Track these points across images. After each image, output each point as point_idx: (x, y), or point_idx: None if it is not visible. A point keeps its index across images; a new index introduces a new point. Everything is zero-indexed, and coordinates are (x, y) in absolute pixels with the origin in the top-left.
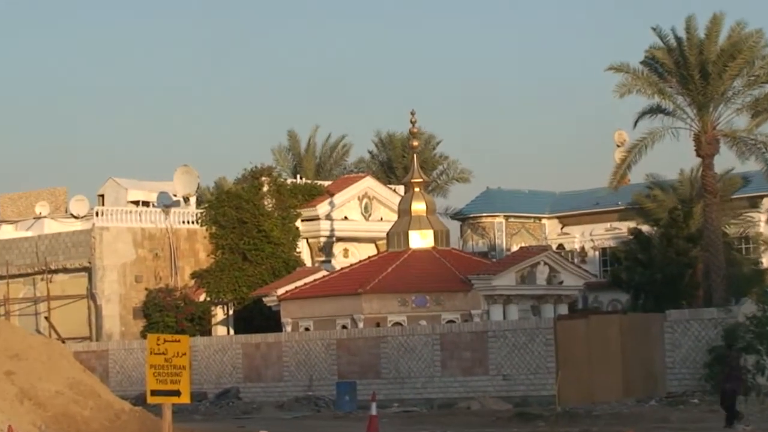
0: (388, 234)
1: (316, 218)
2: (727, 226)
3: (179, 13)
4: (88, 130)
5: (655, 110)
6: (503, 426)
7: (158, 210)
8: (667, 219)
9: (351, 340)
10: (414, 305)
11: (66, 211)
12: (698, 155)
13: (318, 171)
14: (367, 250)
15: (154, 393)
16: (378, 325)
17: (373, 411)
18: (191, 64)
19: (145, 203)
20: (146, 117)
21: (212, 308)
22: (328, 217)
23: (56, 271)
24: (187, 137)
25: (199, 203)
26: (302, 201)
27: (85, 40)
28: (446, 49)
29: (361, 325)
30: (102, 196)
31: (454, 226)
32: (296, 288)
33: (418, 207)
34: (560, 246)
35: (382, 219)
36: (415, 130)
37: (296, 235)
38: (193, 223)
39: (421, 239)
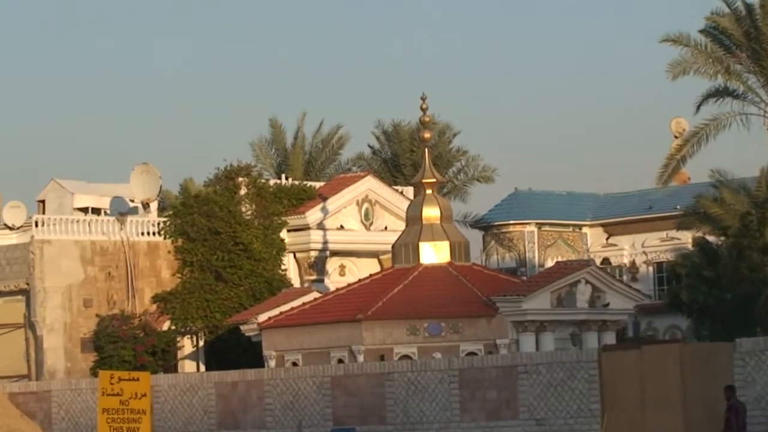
0: (393, 246)
1: (305, 228)
2: None
3: None
4: (25, 123)
5: (720, 93)
6: None
7: (112, 219)
8: (738, 227)
9: (349, 378)
10: (426, 334)
11: None
12: None
13: (307, 170)
14: (369, 267)
15: None
16: (382, 358)
17: None
18: (148, 41)
19: (96, 210)
20: (96, 107)
21: (178, 339)
22: (320, 226)
23: None
24: (146, 130)
25: (161, 210)
26: (288, 206)
27: (20, 19)
28: (464, 21)
29: (361, 359)
30: (42, 202)
31: (475, 237)
32: (281, 314)
33: (431, 213)
34: (605, 260)
35: (386, 228)
36: (427, 119)
37: (281, 248)
38: (154, 234)
39: (434, 253)
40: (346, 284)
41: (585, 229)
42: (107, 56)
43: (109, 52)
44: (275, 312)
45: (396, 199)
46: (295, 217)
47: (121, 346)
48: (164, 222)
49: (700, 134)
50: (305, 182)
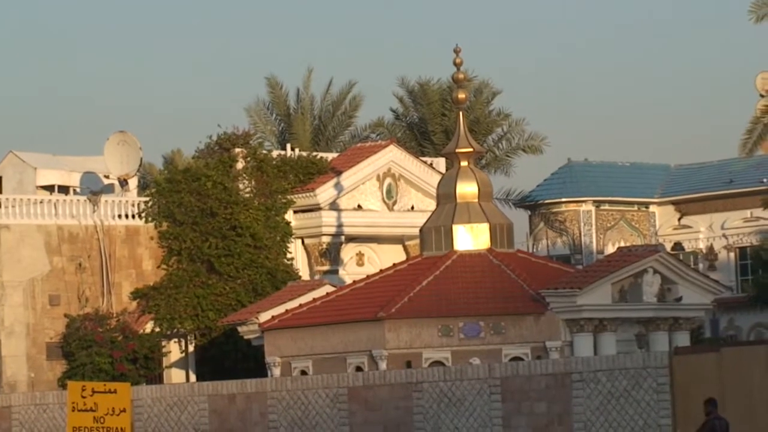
0: (422, 230)
1: (315, 208)
2: None
3: None
4: None
5: None
6: None
7: (82, 199)
8: None
9: (369, 389)
10: (462, 336)
11: None
12: None
13: (316, 138)
14: (392, 255)
15: None
16: (409, 365)
17: None
18: None
19: (63, 189)
20: (61, 64)
21: (164, 343)
22: (334, 206)
23: None
24: (123, 92)
25: (143, 188)
26: (294, 183)
27: None
28: None
29: (383, 366)
30: None
31: (520, 218)
32: (287, 312)
33: (467, 190)
34: (677, 245)
35: (413, 208)
36: (461, 76)
37: (287, 233)
38: (134, 217)
39: (471, 237)
40: (365, 276)
41: (653, 208)
42: (76, 6)
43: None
44: (280, 310)
45: (424, 173)
46: (303, 195)
47: (96, 351)
48: (146, 202)
49: None
50: (314, 153)
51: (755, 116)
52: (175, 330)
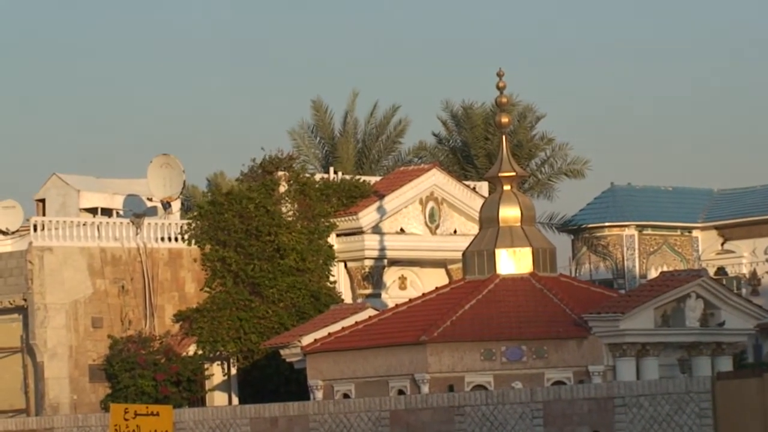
0: (464, 254)
1: (358, 231)
2: None
3: None
4: (21, 109)
5: None
6: None
7: (125, 221)
8: None
9: (411, 412)
10: (504, 359)
11: None
12: None
13: (360, 162)
14: (435, 279)
15: None
16: (451, 389)
17: None
18: (166, 9)
19: (106, 211)
20: (106, 88)
21: (207, 366)
22: (376, 229)
23: None
24: (167, 114)
25: (186, 211)
26: (338, 206)
27: None
28: None
29: (425, 389)
30: (42, 201)
31: (563, 242)
32: (330, 335)
33: (510, 214)
34: (720, 270)
35: (456, 232)
36: (505, 100)
37: (329, 256)
38: (176, 239)
39: (513, 262)
40: (407, 299)
41: (696, 233)
42: (119, 28)
43: (123, 23)
44: (322, 333)
45: (467, 197)
46: (346, 218)
47: (139, 374)
48: (188, 224)
49: None
50: (357, 177)
51: None
52: (218, 352)
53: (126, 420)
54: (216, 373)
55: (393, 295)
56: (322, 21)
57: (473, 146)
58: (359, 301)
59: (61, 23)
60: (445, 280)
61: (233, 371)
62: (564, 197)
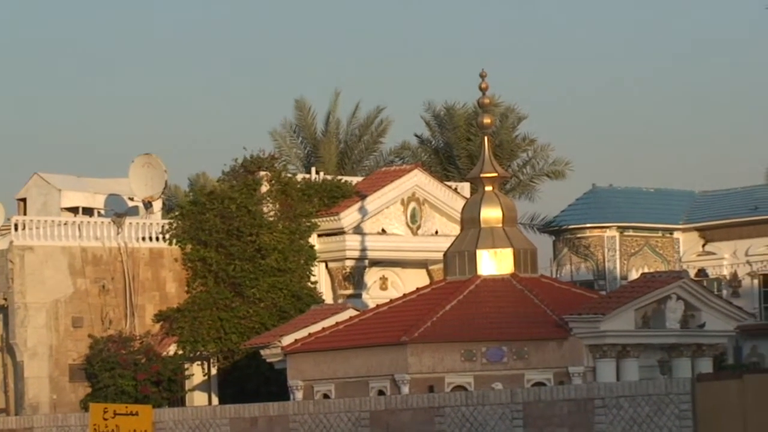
0: (446, 255)
1: (339, 232)
2: None
3: None
4: (3, 108)
5: None
6: None
7: (107, 221)
8: None
9: (391, 413)
10: (485, 360)
11: None
12: None
13: (342, 162)
14: (416, 279)
15: None
16: (432, 389)
17: None
18: (150, 7)
19: (88, 211)
20: (87, 87)
21: (187, 366)
22: (358, 229)
23: None
24: (148, 114)
25: (167, 211)
26: (319, 206)
27: None
28: None
29: (406, 390)
30: (24, 200)
31: (544, 243)
32: (310, 336)
33: (491, 214)
34: (701, 271)
35: (437, 233)
36: (487, 101)
37: (311, 256)
38: (158, 239)
39: (494, 262)
40: (388, 300)
41: (677, 234)
42: (102, 28)
43: (105, 22)
44: (303, 334)
45: (449, 198)
46: (328, 219)
47: (119, 374)
48: (170, 224)
49: None
50: (339, 177)
51: None
52: (199, 352)
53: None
54: (196, 373)
55: (374, 296)
56: (305, 21)
57: (455, 147)
58: (340, 301)
59: (44, 22)
60: (426, 281)
61: (213, 371)
62: (545, 198)
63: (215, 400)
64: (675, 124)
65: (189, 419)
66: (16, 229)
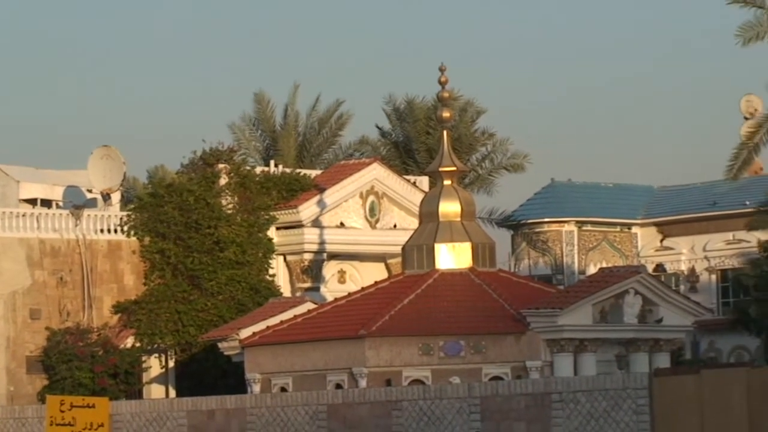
0: (404, 248)
1: (298, 225)
2: None
3: None
4: None
5: None
6: None
7: (65, 212)
8: None
9: (349, 406)
10: (442, 354)
11: None
12: None
13: (301, 155)
14: (374, 273)
15: None
16: (389, 383)
17: None
18: (110, 4)
19: (46, 202)
20: (45, 77)
21: (144, 358)
22: (316, 223)
23: None
24: (107, 106)
25: (126, 203)
26: (278, 199)
27: None
28: None
29: (363, 383)
30: None
31: (503, 237)
32: (268, 329)
33: (450, 208)
34: (659, 266)
35: (395, 226)
36: (446, 95)
37: (269, 249)
38: (116, 231)
39: (453, 256)
40: (346, 293)
41: (635, 229)
42: (59, 20)
43: (64, 14)
44: (261, 327)
45: (407, 192)
46: (286, 212)
47: (76, 366)
48: (128, 216)
49: None
50: (298, 170)
51: (741, 141)
52: (156, 345)
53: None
54: (154, 365)
55: (332, 289)
56: (264, 13)
57: (414, 141)
58: (298, 294)
59: (1, 16)
60: (385, 275)
61: (171, 364)
62: (504, 193)
63: (172, 393)
64: (634, 120)
65: (146, 412)
66: None
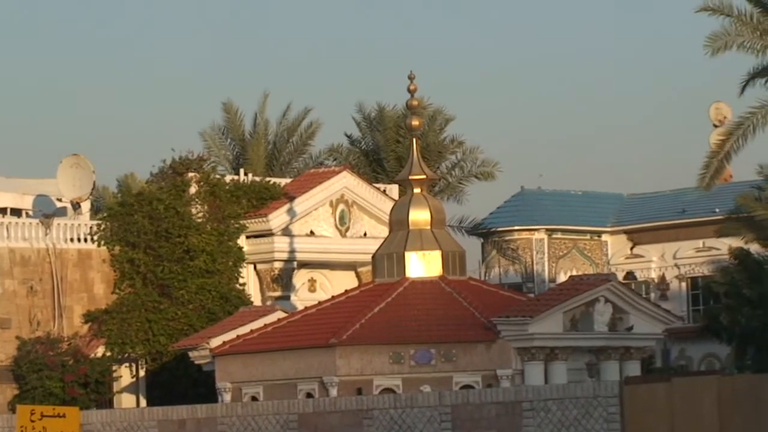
0: (374, 257)
1: (268, 233)
2: None
3: None
4: None
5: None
6: None
7: (35, 221)
8: None
9: (319, 415)
10: (413, 363)
11: None
12: None
13: (270, 164)
14: (344, 281)
15: None
16: (360, 392)
17: None
18: (78, 11)
19: (15, 211)
20: (14, 85)
21: (115, 368)
22: (286, 231)
23: None
24: (77, 114)
25: (95, 212)
26: (247, 208)
27: None
28: None
29: (334, 392)
30: None
31: (473, 245)
32: (239, 338)
33: (420, 217)
34: (629, 274)
35: (365, 235)
36: (416, 103)
37: (239, 258)
38: (86, 240)
39: (423, 265)
40: (316, 302)
41: (605, 237)
42: (28, 26)
43: (32, 20)
44: (231, 335)
45: (377, 200)
46: (256, 220)
47: (46, 375)
48: (98, 225)
49: (745, 125)
50: (268, 179)
51: (712, 150)
52: (127, 354)
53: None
54: (124, 375)
55: (302, 298)
56: (234, 22)
57: (384, 149)
58: (268, 303)
59: None
60: (355, 283)
61: (141, 373)
62: (474, 201)
63: (143, 402)
64: (604, 127)
65: (117, 421)
66: None
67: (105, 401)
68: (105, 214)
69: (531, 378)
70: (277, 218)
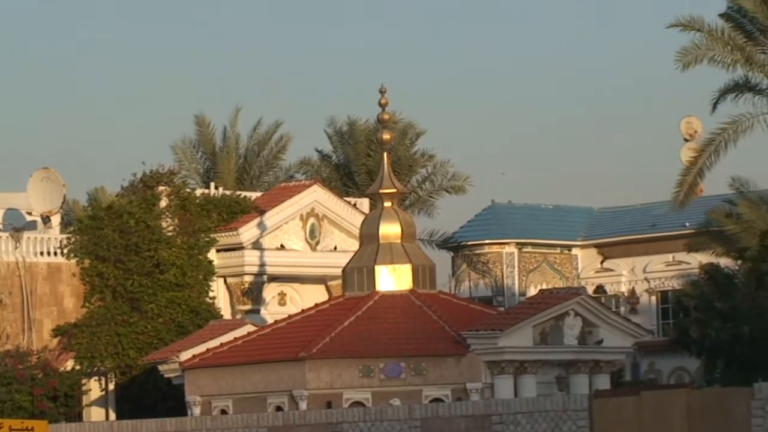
0: (344, 270)
1: (238, 247)
2: None
3: None
4: None
5: (740, 87)
6: None
7: (4, 235)
8: (758, 248)
9: (289, 428)
10: (383, 376)
11: None
12: None
13: (241, 177)
14: (315, 295)
15: None
16: (329, 405)
17: None
18: (51, 22)
19: None
20: None
21: (84, 381)
22: (257, 245)
23: None
24: (47, 128)
25: (66, 225)
26: (218, 221)
27: None
28: (434, 2)
29: (303, 405)
30: None
31: (443, 259)
32: (208, 351)
33: (390, 230)
34: (599, 288)
35: (336, 248)
36: (387, 117)
37: (209, 271)
38: (56, 254)
39: (393, 278)
40: (286, 316)
41: (575, 251)
42: (4, 36)
43: (7, 30)
44: (201, 349)
45: (348, 214)
46: (227, 234)
47: (16, 389)
48: (68, 239)
49: (717, 141)
50: (238, 192)
51: (685, 167)
52: (96, 368)
53: None
54: (94, 388)
55: (272, 311)
56: (206, 36)
57: (355, 163)
58: (239, 316)
59: None
60: (325, 297)
61: (111, 387)
62: (445, 214)
63: (113, 416)
64: (574, 141)
65: None
66: None
67: (74, 415)
68: (75, 228)
69: (501, 391)
70: (248, 232)
